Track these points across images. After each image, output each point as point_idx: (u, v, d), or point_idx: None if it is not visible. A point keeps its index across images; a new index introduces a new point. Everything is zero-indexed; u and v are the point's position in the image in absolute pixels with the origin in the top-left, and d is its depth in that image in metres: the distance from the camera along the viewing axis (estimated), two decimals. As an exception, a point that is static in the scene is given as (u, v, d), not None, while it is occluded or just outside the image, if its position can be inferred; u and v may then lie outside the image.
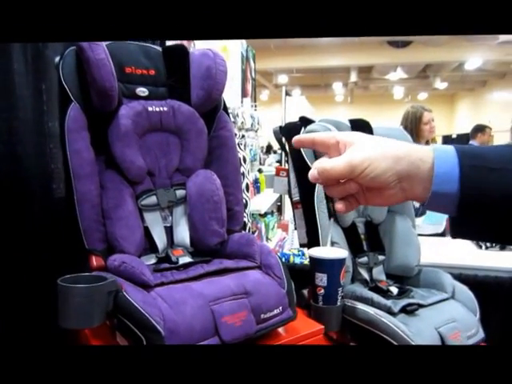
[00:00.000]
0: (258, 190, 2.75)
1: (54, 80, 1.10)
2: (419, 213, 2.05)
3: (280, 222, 3.46)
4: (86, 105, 1.03)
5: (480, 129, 4.48)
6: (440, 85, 11.17)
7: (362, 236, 1.49)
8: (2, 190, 1.17)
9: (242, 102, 2.97)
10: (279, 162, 4.36)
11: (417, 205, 2.02)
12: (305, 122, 1.47)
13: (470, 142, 4.41)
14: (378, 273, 1.45)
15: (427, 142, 2.52)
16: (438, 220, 2.43)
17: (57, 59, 1.03)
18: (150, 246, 1.09)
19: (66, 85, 1.01)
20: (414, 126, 2.38)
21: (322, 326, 1.06)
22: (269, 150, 8.54)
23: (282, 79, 10.67)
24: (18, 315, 1.11)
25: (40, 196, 1.28)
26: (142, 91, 1.15)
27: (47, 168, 1.31)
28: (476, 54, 8.49)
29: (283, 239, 2.90)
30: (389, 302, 1.20)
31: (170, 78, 1.20)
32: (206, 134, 1.20)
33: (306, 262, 1.94)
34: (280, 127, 1.48)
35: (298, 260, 1.96)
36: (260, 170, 2.98)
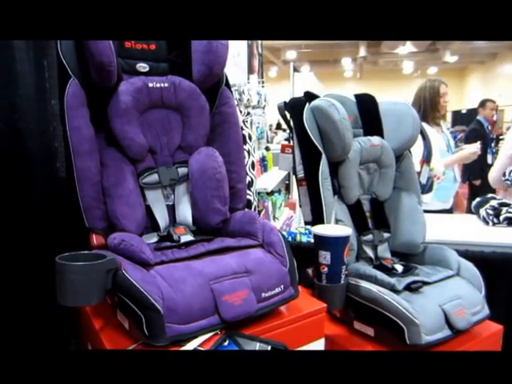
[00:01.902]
0: (265, 168, 2.72)
1: (55, 56, 1.08)
2: (426, 189, 2.01)
3: (288, 201, 3.44)
4: (85, 81, 1.01)
5: (481, 103, 4.45)
6: (450, 58, 10.88)
7: (367, 213, 1.47)
8: (3, 169, 1.17)
9: (248, 78, 2.92)
10: (288, 140, 4.31)
11: (423, 181, 1.99)
12: (309, 97, 1.44)
13: (477, 118, 4.36)
14: (383, 250, 1.44)
15: (443, 117, 2.47)
16: (446, 196, 2.40)
17: (55, 34, 1.01)
18: (151, 224, 1.09)
19: (64, 60, 0.99)
20: (432, 98, 2.34)
21: (325, 305, 1.05)
22: (278, 127, 8.45)
23: (291, 55, 10.48)
24: (19, 294, 1.12)
25: (43, 174, 1.28)
26: (143, 67, 1.13)
27: (50, 146, 1.31)
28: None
29: (291, 218, 2.89)
30: (393, 280, 1.19)
31: (171, 53, 1.17)
32: (208, 111, 1.18)
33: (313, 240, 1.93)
34: (284, 102, 1.45)
35: (304, 239, 1.95)
36: (267, 148, 2.94)
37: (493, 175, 2.25)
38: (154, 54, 1.15)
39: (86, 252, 0.83)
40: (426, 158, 2.01)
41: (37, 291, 1.17)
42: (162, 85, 1.12)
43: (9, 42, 1.17)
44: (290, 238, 1.95)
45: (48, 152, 1.30)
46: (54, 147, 1.31)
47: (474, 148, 2.37)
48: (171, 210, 1.13)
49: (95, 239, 0.97)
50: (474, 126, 4.27)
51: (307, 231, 1.99)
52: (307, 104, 1.40)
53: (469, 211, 2.23)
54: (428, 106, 2.35)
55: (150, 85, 1.10)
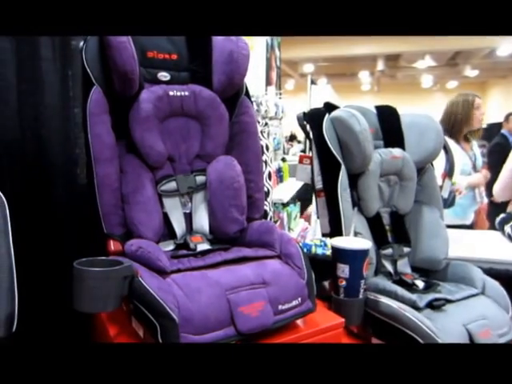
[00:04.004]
0: (281, 179, 2.71)
1: (79, 66, 1.10)
2: (448, 204, 1.96)
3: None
4: (108, 89, 1.02)
5: (506, 117, 4.39)
6: (470, 72, 10.74)
7: (387, 227, 1.44)
8: (27, 174, 1.19)
9: (266, 90, 2.93)
10: (303, 151, 4.30)
11: (445, 195, 1.94)
12: (329, 108, 1.43)
13: (502, 131, 4.27)
14: (403, 265, 1.40)
15: (476, 132, 2.40)
16: (463, 214, 2.34)
17: (81, 43, 1.03)
18: (168, 232, 1.08)
19: (88, 68, 1.00)
20: (467, 111, 2.28)
21: (343, 320, 1.02)
22: (292, 139, 8.42)
23: (308, 68, 10.51)
24: (39, 298, 1.12)
25: (64, 181, 1.30)
26: (164, 76, 1.14)
27: (72, 154, 1.33)
28: (508, 39, 8.09)
29: (305, 229, 2.86)
30: (414, 296, 1.16)
31: (193, 63, 1.18)
32: (228, 120, 1.18)
33: (329, 252, 1.90)
34: (304, 113, 1.44)
35: (320, 251, 1.93)
36: (283, 159, 2.94)
37: (496, 189, 2.19)
38: (176, 64, 1.16)
39: (103, 258, 0.83)
40: (449, 172, 1.96)
41: (52, 296, 1.18)
42: (183, 93, 1.12)
43: (37, 53, 1.20)
44: (305, 250, 1.93)
45: (69, 159, 1.32)
46: (75, 154, 1.34)
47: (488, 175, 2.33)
48: (188, 218, 1.12)
49: (113, 245, 0.97)
50: (498, 140, 4.17)
51: (322, 243, 1.97)
52: (327, 115, 1.39)
53: (491, 228, 2.17)
54: (460, 122, 2.28)
55: (171, 93, 1.11)
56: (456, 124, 2.29)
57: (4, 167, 1.12)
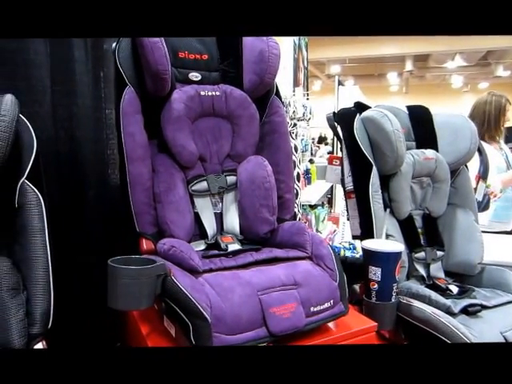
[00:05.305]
0: (308, 180, 2.69)
1: (111, 67, 1.12)
2: (482, 207, 1.90)
3: (330, 215, 3.38)
4: (140, 89, 1.03)
5: None
6: (503, 72, 10.41)
7: (420, 230, 1.41)
8: (60, 174, 1.21)
9: (293, 91, 2.91)
10: (331, 153, 4.25)
11: (479, 198, 1.88)
12: (360, 108, 1.41)
13: None
14: (436, 269, 1.37)
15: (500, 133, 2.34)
16: (505, 217, 2.26)
17: (113, 44, 1.04)
18: (199, 232, 1.08)
19: (121, 69, 1.02)
20: (497, 114, 2.23)
21: (375, 323, 1.00)
22: (321, 141, 8.33)
23: (335, 69, 10.42)
24: (72, 296, 1.14)
25: (95, 180, 1.32)
26: (195, 76, 1.14)
27: (103, 154, 1.35)
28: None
29: (333, 232, 2.82)
30: (448, 302, 1.13)
31: (223, 63, 1.18)
32: (258, 120, 1.17)
33: (358, 255, 1.87)
34: (334, 113, 1.42)
35: (348, 254, 1.90)
36: (311, 161, 2.91)
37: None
38: (207, 64, 1.16)
39: (137, 256, 0.84)
40: (483, 174, 1.90)
41: (85, 293, 1.19)
42: (214, 93, 1.13)
43: (70, 54, 1.22)
44: (334, 253, 1.90)
45: (101, 159, 1.34)
46: (106, 154, 1.36)
47: None
48: (219, 218, 1.12)
49: (145, 244, 0.97)
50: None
51: (351, 246, 1.93)
52: (357, 115, 1.37)
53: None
54: (491, 122, 2.23)
55: (202, 93, 1.11)
56: (488, 123, 2.22)
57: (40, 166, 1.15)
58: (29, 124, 0.89)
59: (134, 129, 0.99)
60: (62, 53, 1.21)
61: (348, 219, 1.39)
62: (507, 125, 2.32)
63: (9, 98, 0.82)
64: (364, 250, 1.14)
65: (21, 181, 0.85)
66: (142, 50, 0.99)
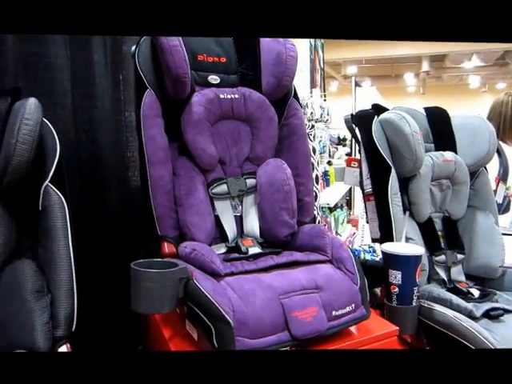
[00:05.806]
0: (327, 182, 2.67)
1: (130, 70, 1.13)
2: (502, 209, 1.87)
3: (349, 217, 3.35)
4: (160, 92, 1.04)
5: None
6: (521, 73, 10.23)
7: (440, 232, 1.39)
8: (82, 176, 1.23)
9: (311, 92, 2.90)
10: (349, 154, 4.21)
11: (499, 200, 1.85)
12: (378, 110, 1.40)
13: None
14: (457, 273, 1.35)
15: None
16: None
17: (133, 48, 1.05)
18: (220, 235, 1.09)
19: (141, 72, 1.02)
20: None
21: (397, 328, 0.99)
22: (340, 142, 8.25)
23: (351, 70, 10.34)
24: (95, 299, 1.15)
25: (116, 183, 1.33)
26: (214, 79, 1.15)
27: (123, 156, 1.36)
28: None
29: (353, 235, 2.80)
30: (470, 305, 1.11)
31: (241, 66, 1.18)
32: (277, 122, 1.17)
33: (377, 259, 1.85)
34: (351, 115, 1.41)
35: (368, 257, 1.88)
36: (330, 163, 2.88)
37: None
38: (225, 67, 1.16)
39: (159, 260, 0.84)
40: (502, 176, 1.87)
41: (107, 296, 1.20)
42: (233, 96, 1.13)
43: (90, 58, 1.24)
44: (353, 255, 1.88)
45: (120, 161, 1.35)
46: (126, 157, 1.37)
47: None
48: (239, 221, 1.12)
49: (166, 247, 0.98)
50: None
51: (371, 249, 1.91)
52: (375, 117, 1.35)
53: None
54: (506, 123, 2.18)
55: (222, 96, 1.11)
56: (504, 124, 2.18)
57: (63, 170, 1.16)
58: (52, 127, 0.90)
59: (154, 132, 1.00)
60: (82, 56, 1.22)
61: (367, 222, 1.38)
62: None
63: (32, 101, 0.83)
64: (384, 253, 1.13)
65: (44, 184, 0.86)
66: (161, 53, 1.00)
